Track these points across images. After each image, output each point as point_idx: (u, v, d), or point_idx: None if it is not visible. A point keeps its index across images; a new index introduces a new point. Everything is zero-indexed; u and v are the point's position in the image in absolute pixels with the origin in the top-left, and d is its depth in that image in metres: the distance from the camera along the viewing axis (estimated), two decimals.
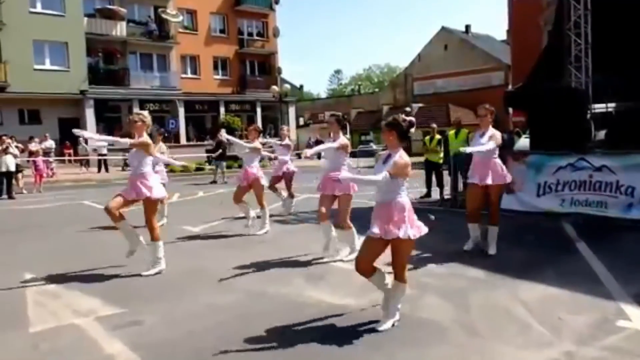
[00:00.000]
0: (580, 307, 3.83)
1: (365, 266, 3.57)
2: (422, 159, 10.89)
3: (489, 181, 5.36)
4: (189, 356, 3.23)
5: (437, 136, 10.70)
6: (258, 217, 7.22)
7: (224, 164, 16.55)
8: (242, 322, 3.74)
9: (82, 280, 4.87)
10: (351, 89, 69.45)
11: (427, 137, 10.85)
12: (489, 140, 5.35)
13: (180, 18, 28.06)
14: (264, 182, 7.09)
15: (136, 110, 5.04)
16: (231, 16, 30.76)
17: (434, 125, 11.19)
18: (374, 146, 34.87)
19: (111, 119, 26.61)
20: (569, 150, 7.33)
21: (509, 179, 5.55)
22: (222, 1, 30.09)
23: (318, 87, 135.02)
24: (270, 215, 8.77)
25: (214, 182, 15.82)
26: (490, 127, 5.49)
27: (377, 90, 54.73)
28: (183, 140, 27.79)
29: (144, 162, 5.11)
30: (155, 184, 5.11)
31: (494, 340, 3.31)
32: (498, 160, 5.50)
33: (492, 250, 5.46)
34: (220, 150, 16.27)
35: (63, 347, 3.42)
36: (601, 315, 3.64)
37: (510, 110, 26.12)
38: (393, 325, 3.53)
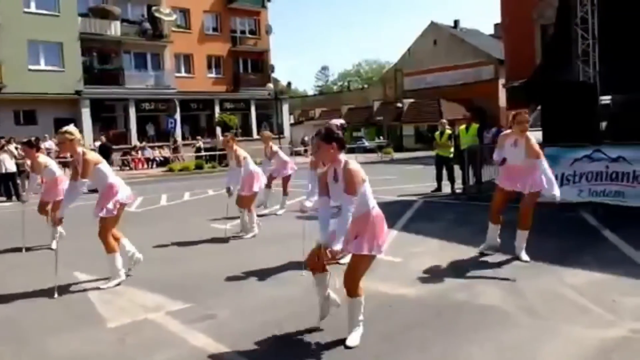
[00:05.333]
0: (629, 290, 4.07)
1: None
2: (414, 154, 11.11)
3: (528, 190, 5.08)
4: (272, 345, 3.38)
5: (448, 131, 10.97)
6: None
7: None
8: (314, 313, 3.88)
9: (132, 277, 4.97)
10: (340, 85, 69.55)
11: (438, 132, 11.11)
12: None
13: (174, 17, 27.86)
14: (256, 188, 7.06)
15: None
16: (224, 14, 30.64)
17: (444, 121, 11.51)
18: (366, 142, 35.12)
19: (107, 119, 26.37)
20: (585, 142, 7.59)
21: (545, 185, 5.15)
22: None
23: (305, 84, 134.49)
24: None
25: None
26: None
27: (366, 86, 54.91)
28: (178, 139, 27.59)
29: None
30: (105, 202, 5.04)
31: (559, 321, 3.53)
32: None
33: (525, 257, 5.07)
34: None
35: (148, 340, 3.54)
36: None
37: (504, 104, 26.39)
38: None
